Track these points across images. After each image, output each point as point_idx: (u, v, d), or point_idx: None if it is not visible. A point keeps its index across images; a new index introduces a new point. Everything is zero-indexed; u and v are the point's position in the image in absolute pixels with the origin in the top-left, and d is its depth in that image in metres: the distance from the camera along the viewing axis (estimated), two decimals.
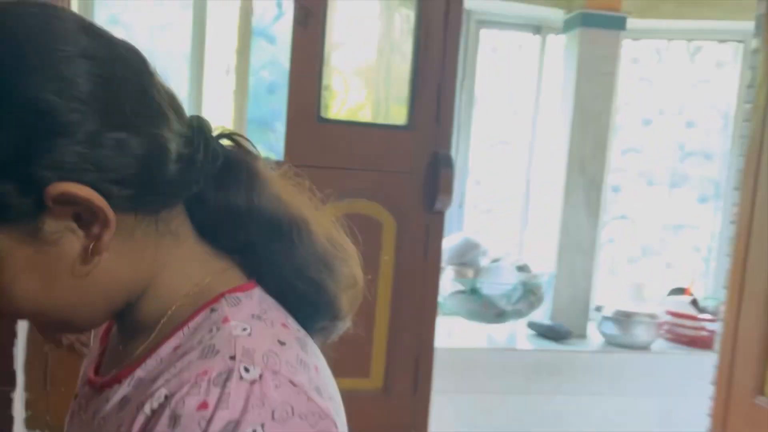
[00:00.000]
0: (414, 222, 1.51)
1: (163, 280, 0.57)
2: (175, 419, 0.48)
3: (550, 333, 2.77)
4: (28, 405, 1.37)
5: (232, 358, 0.50)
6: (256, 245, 0.60)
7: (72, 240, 0.52)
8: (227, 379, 0.49)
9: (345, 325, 0.65)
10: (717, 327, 1.77)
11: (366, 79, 2.13)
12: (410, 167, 1.49)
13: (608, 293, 3.12)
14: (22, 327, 1.36)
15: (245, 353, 0.51)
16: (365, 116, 2.01)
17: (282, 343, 0.54)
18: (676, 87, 3.16)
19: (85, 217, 0.51)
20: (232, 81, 2.44)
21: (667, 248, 3.30)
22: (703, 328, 2.81)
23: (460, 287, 2.72)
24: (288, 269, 0.60)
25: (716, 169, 3.24)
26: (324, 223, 0.63)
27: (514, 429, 2.68)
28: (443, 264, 1.86)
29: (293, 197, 0.62)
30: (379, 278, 1.48)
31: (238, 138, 0.62)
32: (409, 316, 1.54)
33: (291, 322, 0.59)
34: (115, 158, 0.51)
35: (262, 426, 0.48)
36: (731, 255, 1.75)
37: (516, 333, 2.83)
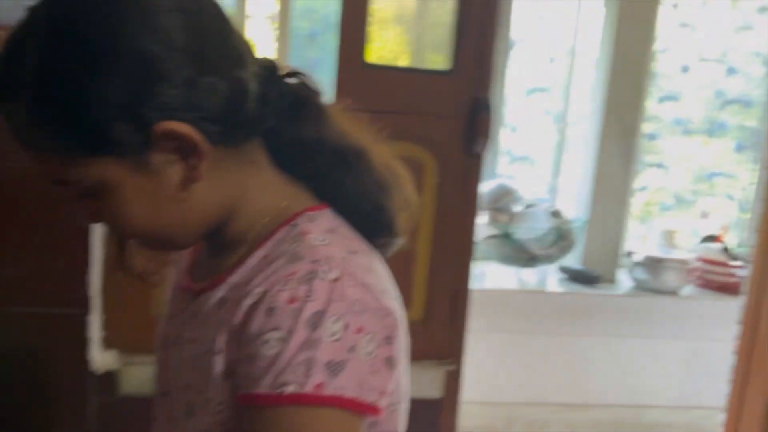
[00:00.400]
0: (453, 164, 1.58)
1: (247, 203, 0.66)
2: (270, 310, 0.57)
3: (580, 277, 2.84)
4: (104, 326, 1.51)
5: (315, 261, 0.59)
6: (323, 172, 0.68)
7: (173, 170, 0.60)
8: (312, 278, 0.58)
9: (400, 242, 0.74)
10: (747, 272, 1.82)
11: (404, 26, 2.17)
12: (451, 111, 1.55)
13: (640, 240, 3.17)
14: (96, 256, 1.48)
15: (325, 258, 0.60)
16: (403, 62, 2.06)
17: (354, 252, 0.63)
18: (717, 33, 3.12)
19: (184, 150, 0.59)
20: (274, 28, 2.49)
21: (701, 197, 3.31)
22: (733, 275, 2.84)
23: (494, 232, 2.80)
24: (351, 193, 0.69)
25: (756, 118, 3.21)
26: (381, 151, 0.71)
27: (542, 367, 2.78)
28: (478, 209, 1.93)
29: (353, 129, 0.70)
30: (421, 217, 1.57)
31: (303, 76, 0.69)
32: (448, 254, 1.63)
33: (358, 236, 0.68)
34: (207, 99, 0.59)
35: (342, 316, 0.57)
36: (764, 199, 1.79)
37: (547, 277, 2.91)
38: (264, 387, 0.56)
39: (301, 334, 0.56)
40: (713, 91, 3.20)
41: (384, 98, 1.55)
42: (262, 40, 2.53)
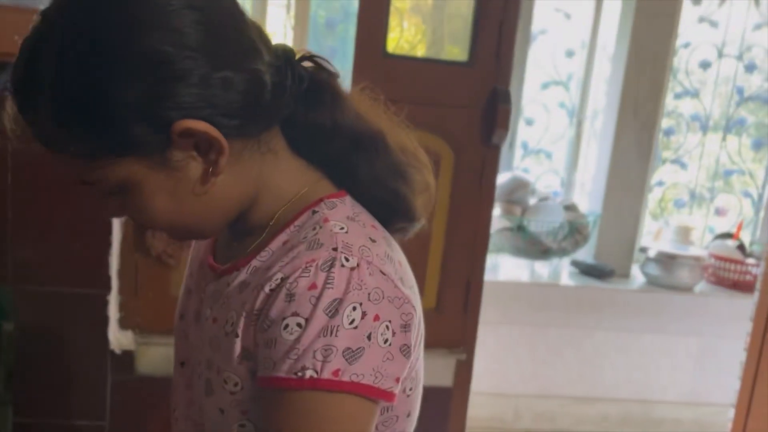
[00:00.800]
0: (470, 156, 1.59)
1: (268, 191, 0.67)
2: (290, 296, 0.59)
3: (593, 271, 2.84)
4: (121, 307, 1.54)
5: (335, 249, 0.60)
6: (340, 158, 0.69)
7: (194, 166, 0.62)
8: (332, 265, 0.59)
9: (419, 225, 0.75)
10: (760, 270, 1.82)
11: (422, 16, 2.17)
12: (469, 102, 1.55)
13: (654, 236, 3.16)
14: (116, 237, 1.51)
15: (345, 246, 0.61)
16: (420, 53, 2.06)
17: (373, 240, 0.64)
18: (737, 29, 3.09)
19: (203, 146, 0.61)
20: (291, 17, 2.50)
21: (717, 194, 3.30)
22: (747, 272, 2.83)
23: (508, 224, 2.80)
24: (368, 179, 0.69)
25: None
26: (398, 134, 0.71)
27: (552, 360, 2.79)
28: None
29: (370, 112, 0.70)
30: (436, 207, 1.58)
31: (319, 59, 0.70)
32: (462, 244, 1.64)
33: (377, 223, 0.69)
34: (223, 94, 0.59)
35: (360, 304, 0.58)
36: None
37: (559, 270, 2.91)
38: (283, 371, 0.58)
39: (319, 321, 0.57)
40: (732, 88, 3.17)
41: (402, 88, 1.56)
42: (279, 29, 2.54)
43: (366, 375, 0.58)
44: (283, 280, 0.60)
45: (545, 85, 3.09)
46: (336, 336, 0.57)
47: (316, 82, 0.68)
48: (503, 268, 2.83)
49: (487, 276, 1.83)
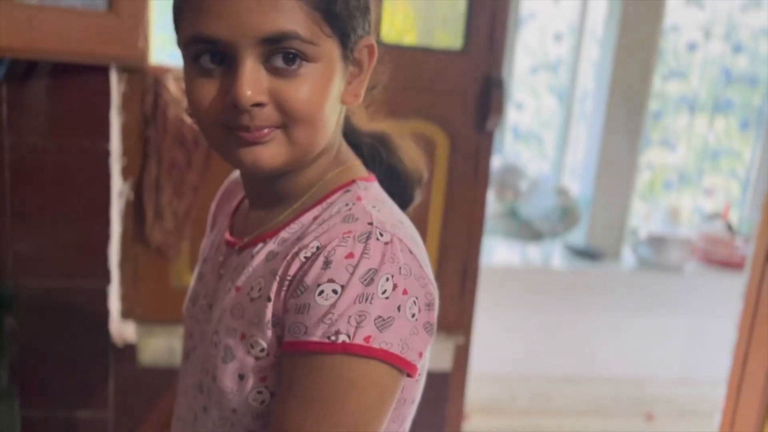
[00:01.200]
0: (465, 142, 1.60)
1: (329, 153, 0.71)
2: (327, 263, 0.61)
3: (584, 253, 2.87)
4: (122, 299, 1.55)
5: (370, 223, 0.63)
6: (367, 149, 0.76)
7: (344, 83, 0.67)
8: (368, 238, 0.62)
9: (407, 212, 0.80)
10: (749, 249, 1.85)
11: (410, 1, 2.17)
12: (463, 89, 1.56)
13: (643, 217, 3.20)
14: (116, 229, 1.51)
15: (379, 222, 0.64)
16: (410, 40, 2.06)
17: (401, 222, 0.68)
18: (724, 11, 3.11)
19: (358, 68, 0.68)
20: None
21: (705, 174, 3.33)
22: (736, 252, 2.88)
23: (500, 208, 2.83)
24: (385, 169, 0.76)
25: (761, 96, 3.22)
26: (403, 135, 0.80)
27: (546, 342, 2.82)
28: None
29: (371, 113, 0.77)
30: (432, 193, 1.60)
31: None
32: (458, 230, 1.66)
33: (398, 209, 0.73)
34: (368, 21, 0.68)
35: (393, 276, 0.61)
36: None
37: (552, 253, 2.94)
38: (317, 335, 0.59)
39: (355, 288, 0.59)
40: (719, 69, 3.20)
41: (397, 76, 1.57)
42: None
43: (394, 344, 0.60)
44: (319, 248, 0.62)
45: (534, 69, 3.10)
46: (370, 303, 0.59)
47: None
48: (496, 252, 2.86)
49: (481, 260, 1.84)
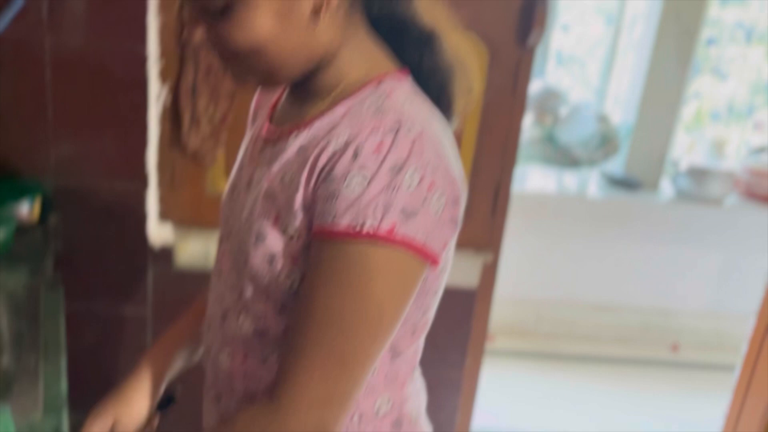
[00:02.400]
0: (505, 57, 1.56)
1: (345, 55, 0.71)
2: (356, 154, 0.63)
3: (621, 183, 2.82)
4: (160, 201, 1.59)
5: (399, 118, 0.65)
6: (407, 47, 0.74)
7: (307, 1, 0.65)
8: (397, 131, 0.64)
9: (456, 124, 0.79)
10: None
11: None
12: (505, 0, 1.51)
13: (686, 149, 3.11)
14: (153, 133, 1.54)
15: (408, 116, 0.65)
16: None
17: (431, 118, 0.69)
18: None
19: None
20: None
21: (756, 110, 3.20)
22: None
23: (538, 133, 2.77)
24: (425, 70, 0.74)
25: None
26: (453, 38, 0.76)
27: (574, 269, 2.83)
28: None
29: (433, 13, 0.75)
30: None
31: None
32: (492, 148, 1.64)
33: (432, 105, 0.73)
34: None
35: (419, 169, 0.63)
36: None
37: (588, 181, 2.90)
38: (343, 223, 0.62)
39: (383, 179, 0.62)
40: None
41: None
42: None
43: (418, 235, 0.62)
44: (348, 140, 0.64)
45: None
46: (396, 194, 0.61)
47: None
48: (531, 177, 2.83)
49: (515, 185, 1.83)
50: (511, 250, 2.29)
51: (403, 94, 0.69)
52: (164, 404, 0.91)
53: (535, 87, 2.77)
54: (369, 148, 0.63)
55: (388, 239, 0.62)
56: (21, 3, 1.40)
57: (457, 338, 1.85)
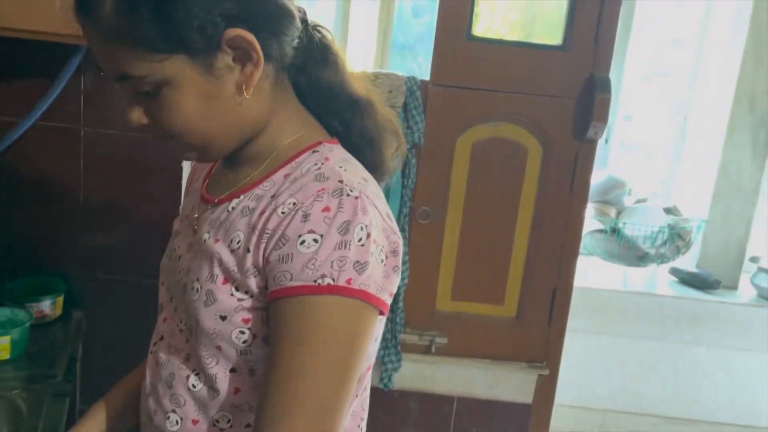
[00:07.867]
0: (562, 150, 1.43)
1: (276, 124, 0.76)
2: (306, 216, 0.67)
3: (695, 281, 2.60)
4: None
5: (341, 181, 0.70)
6: (337, 113, 0.79)
7: (232, 77, 0.70)
8: (340, 194, 0.69)
9: (388, 179, 0.85)
10: None
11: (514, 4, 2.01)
12: (562, 91, 1.40)
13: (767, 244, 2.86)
14: None
15: (347, 180, 0.70)
16: (509, 37, 1.91)
17: (366, 180, 0.74)
18: None
19: (244, 58, 0.69)
20: (377, 4, 2.41)
21: None
22: None
23: (600, 226, 2.60)
24: (357, 134, 0.80)
25: None
26: (379, 100, 0.82)
27: (644, 375, 2.58)
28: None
29: (359, 79, 0.81)
30: (519, 206, 1.44)
31: (323, 29, 0.79)
32: (549, 248, 1.49)
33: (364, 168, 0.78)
34: (263, 9, 0.69)
35: (366, 226, 0.68)
36: None
37: (656, 278, 2.68)
38: (302, 280, 0.67)
39: (334, 238, 0.67)
40: None
41: (487, 75, 1.43)
42: (365, 17, 2.45)
43: (371, 285, 0.68)
44: (296, 204, 0.69)
45: (646, 78, 2.85)
46: (348, 249, 0.67)
47: (325, 43, 0.78)
48: (593, 273, 2.63)
49: (576, 281, 1.67)
50: (571, 352, 2.09)
51: (339, 159, 0.74)
52: None
53: (597, 177, 2.62)
54: (317, 210, 0.67)
55: (346, 292, 0.66)
56: (59, 91, 1.39)
57: None
